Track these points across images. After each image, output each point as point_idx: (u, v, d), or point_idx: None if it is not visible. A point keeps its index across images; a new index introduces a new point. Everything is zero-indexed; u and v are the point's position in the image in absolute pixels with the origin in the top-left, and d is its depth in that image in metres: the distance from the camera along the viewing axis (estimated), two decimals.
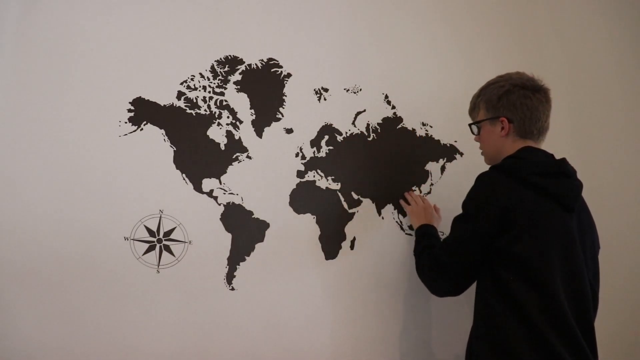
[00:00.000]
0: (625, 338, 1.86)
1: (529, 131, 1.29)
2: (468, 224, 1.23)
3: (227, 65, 1.46)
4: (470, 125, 1.40)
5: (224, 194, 1.41)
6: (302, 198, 1.49)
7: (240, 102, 1.46)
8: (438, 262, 1.26)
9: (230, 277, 1.39)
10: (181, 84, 1.40)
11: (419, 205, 1.56)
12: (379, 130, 1.62)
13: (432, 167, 1.68)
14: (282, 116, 1.50)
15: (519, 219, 1.17)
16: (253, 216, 1.43)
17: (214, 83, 1.44)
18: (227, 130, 1.43)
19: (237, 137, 1.44)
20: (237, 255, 1.40)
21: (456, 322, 1.62)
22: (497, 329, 1.16)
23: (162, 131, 1.37)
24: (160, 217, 1.34)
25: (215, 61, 1.45)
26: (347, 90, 1.59)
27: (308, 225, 1.49)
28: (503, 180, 1.21)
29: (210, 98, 1.43)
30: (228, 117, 1.44)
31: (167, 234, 1.34)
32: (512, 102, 1.28)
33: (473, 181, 1.57)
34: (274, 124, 1.49)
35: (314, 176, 1.52)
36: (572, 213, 1.22)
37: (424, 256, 1.35)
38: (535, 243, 1.16)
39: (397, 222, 1.60)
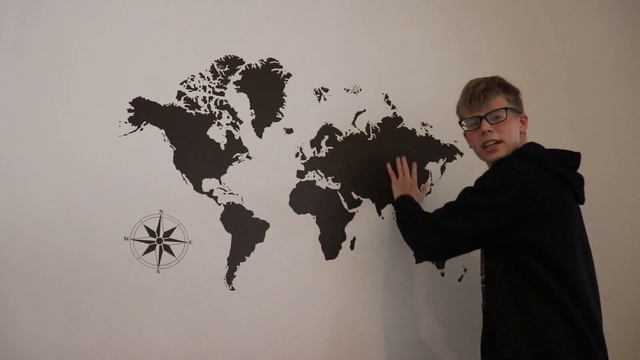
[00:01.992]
0: (626, 337, 1.86)
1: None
2: (488, 197, 1.19)
3: (227, 65, 1.46)
4: (499, 110, 1.30)
5: (224, 194, 1.41)
6: (302, 198, 1.49)
7: (240, 102, 1.46)
8: (437, 223, 1.25)
9: (230, 277, 1.39)
10: (181, 84, 1.40)
11: (406, 178, 1.55)
12: (379, 130, 1.62)
13: (432, 167, 1.68)
14: (282, 116, 1.50)
15: (544, 206, 1.17)
16: (253, 216, 1.43)
17: (214, 83, 1.44)
18: (227, 130, 1.43)
19: (237, 137, 1.44)
20: (237, 255, 1.40)
21: (457, 321, 1.62)
22: (534, 319, 1.14)
23: (162, 131, 1.37)
24: (160, 217, 1.34)
25: (215, 61, 1.45)
26: (347, 90, 1.59)
27: (308, 225, 1.49)
28: (528, 165, 1.22)
29: (210, 98, 1.43)
30: (228, 117, 1.44)
31: (167, 234, 1.34)
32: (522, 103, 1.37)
33: (473, 181, 1.57)
34: (274, 124, 1.49)
35: (314, 176, 1.51)
36: (582, 205, 1.27)
37: (415, 216, 1.34)
38: (559, 233, 1.17)
39: None
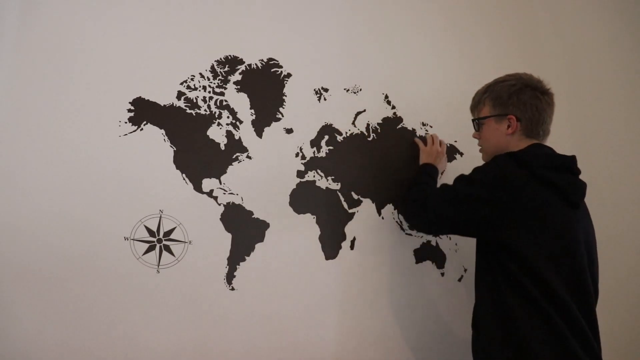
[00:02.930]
0: (625, 337, 1.86)
1: (535, 132, 1.32)
2: (471, 188, 1.25)
3: (227, 65, 1.46)
4: (473, 120, 1.41)
5: (224, 194, 1.41)
6: (302, 198, 1.49)
7: (240, 102, 1.46)
8: (424, 203, 1.32)
9: (230, 277, 1.39)
10: (181, 84, 1.40)
11: (434, 147, 1.61)
12: (379, 130, 1.62)
13: None
14: (282, 116, 1.50)
15: (520, 208, 1.18)
16: (253, 216, 1.43)
17: (214, 83, 1.44)
18: (227, 130, 1.43)
19: (237, 137, 1.44)
20: (237, 255, 1.40)
21: (456, 322, 1.62)
22: (510, 316, 1.17)
23: (162, 131, 1.37)
24: (160, 217, 1.34)
25: (215, 61, 1.45)
26: (347, 90, 1.59)
27: (308, 225, 1.49)
28: (514, 165, 1.23)
29: (210, 98, 1.43)
30: (228, 117, 1.44)
31: (167, 234, 1.34)
32: (523, 101, 1.30)
33: None
34: (274, 124, 1.49)
35: (314, 176, 1.52)
36: (577, 210, 1.24)
37: (417, 189, 1.43)
38: (534, 238, 1.18)
39: (397, 222, 1.60)
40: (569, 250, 1.20)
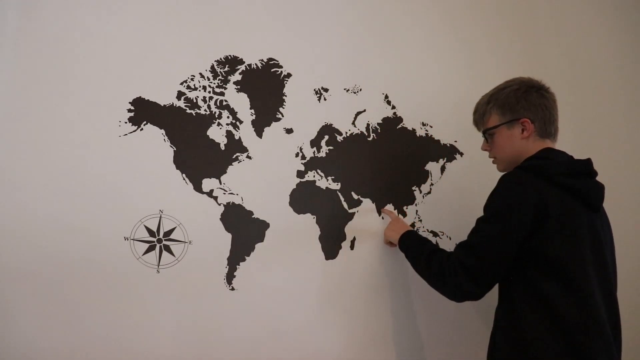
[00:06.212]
0: (626, 338, 1.86)
1: (548, 131, 1.30)
2: (498, 224, 1.17)
3: (227, 65, 1.46)
4: (484, 133, 1.35)
5: (224, 194, 1.41)
6: (302, 198, 1.49)
7: (240, 102, 1.46)
8: (462, 265, 1.18)
9: (230, 277, 1.39)
10: (181, 84, 1.40)
11: (400, 218, 1.54)
12: (379, 130, 1.62)
13: (432, 167, 1.68)
14: (282, 116, 1.50)
15: (550, 218, 1.14)
16: (253, 216, 1.43)
17: (214, 83, 1.44)
18: (227, 130, 1.43)
19: (237, 137, 1.44)
20: (237, 255, 1.40)
21: (457, 322, 1.62)
22: (525, 335, 1.13)
23: (162, 131, 1.37)
24: (160, 217, 1.34)
25: (215, 61, 1.45)
26: (347, 90, 1.59)
27: (308, 225, 1.49)
28: (531, 178, 1.18)
29: (210, 98, 1.43)
30: (228, 117, 1.44)
31: (167, 234, 1.34)
32: (532, 102, 1.28)
33: (473, 181, 1.57)
34: (274, 124, 1.49)
35: (314, 176, 1.52)
36: (598, 213, 1.23)
37: (434, 262, 1.26)
38: (568, 243, 1.14)
39: None
40: (598, 256, 1.18)
